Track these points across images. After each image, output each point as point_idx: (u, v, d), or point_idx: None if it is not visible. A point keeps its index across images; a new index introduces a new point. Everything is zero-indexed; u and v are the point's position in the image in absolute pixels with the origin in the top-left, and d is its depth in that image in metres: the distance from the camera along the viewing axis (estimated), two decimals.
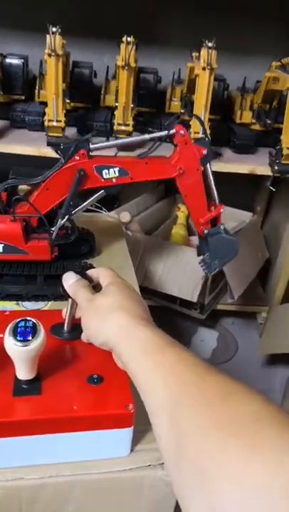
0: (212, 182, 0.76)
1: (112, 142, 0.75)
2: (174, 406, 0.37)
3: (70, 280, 0.54)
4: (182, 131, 0.71)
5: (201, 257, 0.83)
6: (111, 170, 0.71)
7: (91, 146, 0.70)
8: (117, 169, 0.71)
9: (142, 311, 0.48)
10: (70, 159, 0.69)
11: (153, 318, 0.72)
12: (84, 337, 0.52)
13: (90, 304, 0.49)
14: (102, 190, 0.73)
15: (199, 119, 0.94)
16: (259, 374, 1.51)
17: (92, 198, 0.74)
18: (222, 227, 0.79)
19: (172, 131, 0.71)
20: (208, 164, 0.74)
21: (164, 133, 0.72)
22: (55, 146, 0.72)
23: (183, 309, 1.44)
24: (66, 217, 0.72)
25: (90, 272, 0.56)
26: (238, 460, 0.30)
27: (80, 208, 0.74)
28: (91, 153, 0.70)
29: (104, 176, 0.71)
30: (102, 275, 0.55)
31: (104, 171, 0.71)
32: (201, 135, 1.10)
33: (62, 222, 0.72)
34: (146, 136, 0.73)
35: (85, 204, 0.75)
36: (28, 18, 1.44)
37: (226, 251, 0.80)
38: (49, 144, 1.18)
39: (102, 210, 1.52)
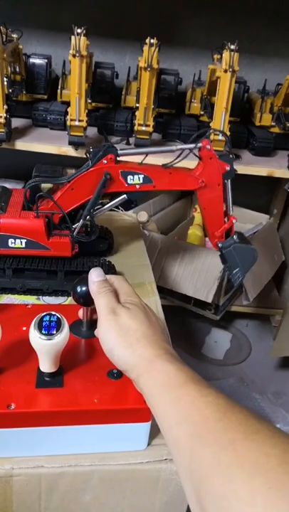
0: (230, 196, 0.78)
1: (139, 150, 0.78)
2: (195, 442, 0.36)
3: (96, 277, 0.52)
4: (208, 146, 0.72)
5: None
6: (136, 176, 0.73)
7: (119, 151, 0.72)
8: (142, 176, 0.73)
9: (164, 341, 0.48)
10: (97, 162, 0.71)
11: (167, 318, 0.73)
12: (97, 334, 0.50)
13: (113, 317, 0.48)
14: (124, 195, 0.75)
15: (225, 134, 0.96)
16: (272, 377, 1.51)
17: (114, 202, 0.76)
18: (235, 236, 0.80)
19: (199, 145, 0.72)
20: (228, 180, 0.75)
21: (191, 145, 0.73)
22: (84, 149, 0.74)
23: (197, 309, 1.44)
24: (87, 217, 0.74)
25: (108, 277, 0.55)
26: (265, 502, 0.30)
27: (101, 209, 0.76)
28: (118, 158, 0.72)
29: (129, 182, 0.73)
30: (121, 288, 0.53)
31: (130, 177, 0.72)
32: (224, 149, 1.11)
33: (85, 225, 0.74)
34: (174, 148, 0.75)
35: (106, 207, 0.77)
36: (52, 20, 1.46)
37: (244, 259, 0.80)
38: (71, 143, 1.20)
39: (118, 209, 1.54)
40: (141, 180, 0.73)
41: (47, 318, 0.47)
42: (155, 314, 0.52)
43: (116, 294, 0.52)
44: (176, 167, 0.75)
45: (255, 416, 0.36)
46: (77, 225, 0.74)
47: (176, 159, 0.74)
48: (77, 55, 1.08)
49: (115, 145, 0.72)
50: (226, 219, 0.79)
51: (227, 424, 0.36)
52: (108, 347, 0.47)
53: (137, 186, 0.73)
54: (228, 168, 0.74)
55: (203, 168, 0.74)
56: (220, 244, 0.80)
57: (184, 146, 0.74)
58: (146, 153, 0.76)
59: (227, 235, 0.80)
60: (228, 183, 0.76)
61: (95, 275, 0.52)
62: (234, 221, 0.79)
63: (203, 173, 0.74)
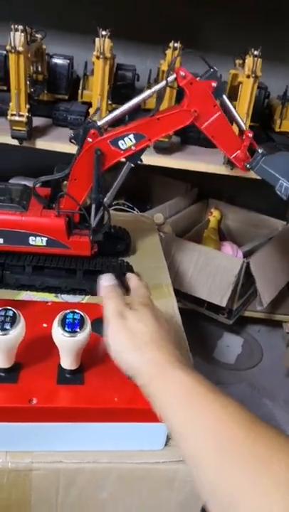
0: (234, 112, 0.72)
1: (117, 111, 0.72)
2: (221, 458, 0.35)
3: (105, 282, 0.53)
4: (182, 72, 0.66)
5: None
6: (126, 139, 0.69)
7: (99, 122, 0.69)
8: (132, 136, 0.69)
9: (176, 348, 0.46)
10: (83, 143, 0.69)
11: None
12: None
13: (121, 321, 0.47)
14: (128, 162, 0.72)
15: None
16: (283, 383, 1.51)
17: (121, 174, 0.74)
18: (260, 150, 0.73)
19: (173, 76, 0.68)
20: (223, 96, 0.70)
21: (163, 82, 0.69)
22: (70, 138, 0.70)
23: (210, 313, 1.44)
24: (99, 202, 0.72)
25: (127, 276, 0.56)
26: None
27: (112, 188, 0.74)
28: (102, 130, 0.69)
29: (122, 147, 0.70)
30: (136, 288, 0.54)
31: (121, 142, 0.69)
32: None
33: (98, 211, 0.72)
34: (149, 91, 0.70)
35: (115, 184, 0.74)
36: (75, 21, 1.47)
37: (282, 168, 0.73)
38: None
39: (134, 210, 1.55)
40: (133, 140, 0.69)
41: (70, 315, 0.48)
42: (167, 319, 0.51)
43: (127, 296, 0.52)
44: (163, 109, 0.71)
45: (281, 432, 0.35)
46: (93, 214, 0.74)
47: (157, 104, 0.69)
48: (101, 56, 1.09)
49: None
50: (243, 137, 0.73)
51: (256, 441, 0.34)
52: (116, 351, 0.46)
53: (133, 147, 0.70)
54: (214, 84, 0.67)
55: (189, 98, 0.68)
56: (248, 166, 0.73)
57: (159, 85, 0.70)
58: (127, 112, 0.72)
59: (253, 153, 0.73)
60: (225, 98, 0.70)
61: (105, 280, 0.53)
62: (250, 135, 0.72)
63: (191, 102, 0.68)
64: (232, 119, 0.73)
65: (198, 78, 0.68)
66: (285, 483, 0.31)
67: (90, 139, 0.69)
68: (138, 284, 0.55)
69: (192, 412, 0.39)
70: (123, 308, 0.48)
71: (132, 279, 0.57)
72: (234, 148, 0.73)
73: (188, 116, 0.69)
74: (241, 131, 0.74)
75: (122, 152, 0.70)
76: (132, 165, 0.73)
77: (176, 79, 0.67)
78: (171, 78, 0.68)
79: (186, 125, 0.70)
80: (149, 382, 0.43)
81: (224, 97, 0.70)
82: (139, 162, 0.73)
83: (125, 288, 0.55)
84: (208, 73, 0.68)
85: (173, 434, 0.40)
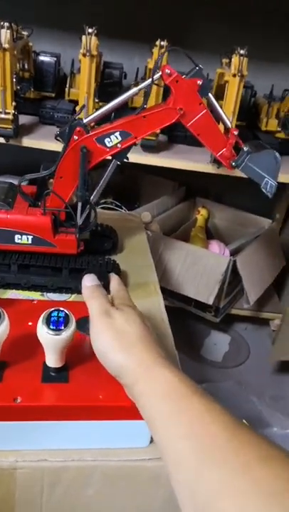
0: (220, 110, 0.73)
1: (103, 108, 0.72)
2: (201, 461, 0.34)
3: (88, 282, 0.52)
4: (168, 70, 0.67)
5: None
6: (112, 136, 0.69)
7: (84, 120, 0.69)
8: (118, 133, 0.69)
9: (159, 346, 0.46)
10: (69, 141, 0.69)
11: (168, 319, 0.74)
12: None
13: (107, 320, 0.47)
14: (114, 160, 0.72)
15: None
16: (270, 381, 1.52)
17: (107, 172, 0.73)
18: (246, 148, 0.73)
19: (158, 74, 0.68)
20: (209, 94, 0.70)
21: (149, 80, 0.69)
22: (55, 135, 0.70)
23: (198, 311, 1.45)
24: (85, 200, 0.71)
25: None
26: None
27: (98, 186, 0.74)
28: (88, 128, 0.69)
29: (108, 145, 0.70)
30: (116, 291, 0.53)
31: (107, 140, 0.69)
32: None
33: (84, 209, 0.72)
34: (135, 89, 0.71)
35: (102, 181, 0.74)
36: (62, 19, 1.46)
37: (267, 167, 0.74)
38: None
39: (122, 209, 1.54)
40: (119, 138, 0.69)
41: (55, 313, 0.48)
42: (149, 320, 0.51)
43: (110, 299, 0.51)
44: (149, 107, 0.71)
45: (265, 438, 0.35)
46: (79, 211, 0.73)
47: (144, 102, 0.70)
48: (88, 54, 1.08)
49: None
50: (228, 135, 0.73)
51: (238, 445, 0.34)
52: (101, 350, 0.46)
53: (119, 145, 0.70)
54: (200, 82, 0.67)
55: (175, 95, 0.68)
56: (233, 163, 0.73)
57: (145, 82, 0.70)
58: (113, 110, 0.71)
59: (239, 151, 0.74)
60: (211, 97, 0.71)
61: (88, 280, 0.52)
62: (235, 133, 0.73)
63: (176, 99, 0.68)
64: (218, 118, 0.74)
65: (183, 76, 0.68)
66: (268, 491, 0.30)
67: (75, 137, 0.68)
68: (118, 288, 0.55)
69: (175, 412, 0.39)
70: (108, 308, 0.48)
71: (112, 280, 0.56)
72: (220, 146, 0.73)
73: (174, 114, 0.69)
74: (227, 130, 0.75)
75: (107, 150, 0.70)
76: (118, 163, 0.73)
77: (161, 76, 0.68)
78: (156, 76, 0.68)
79: (172, 123, 0.70)
80: (134, 382, 0.43)
81: (210, 95, 0.71)
82: (125, 160, 0.73)
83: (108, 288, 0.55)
84: (194, 71, 0.68)
85: (155, 436, 0.40)
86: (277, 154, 0.74)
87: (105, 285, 0.54)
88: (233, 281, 1.40)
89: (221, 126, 0.75)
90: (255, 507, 0.30)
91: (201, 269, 1.34)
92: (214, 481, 0.32)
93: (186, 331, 1.62)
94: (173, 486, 0.36)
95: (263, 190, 0.76)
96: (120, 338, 0.46)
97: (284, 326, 1.54)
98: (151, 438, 0.51)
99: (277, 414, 1.33)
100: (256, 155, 0.73)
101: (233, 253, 1.46)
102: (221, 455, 0.34)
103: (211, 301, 1.33)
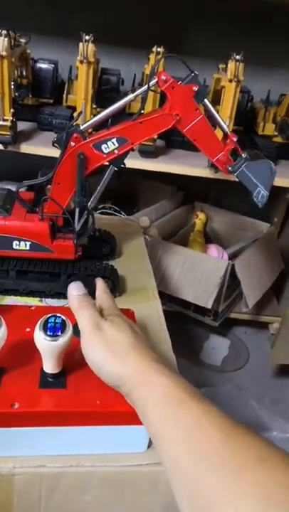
0: (216, 115, 0.73)
1: (100, 115, 0.72)
2: (198, 464, 0.34)
3: (74, 291, 0.51)
4: (164, 77, 0.67)
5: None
6: (109, 143, 0.70)
7: (82, 126, 0.70)
8: (114, 140, 0.70)
9: (153, 351, 0.47)
10: (66, 147, 0.69)
11: (166, 324, 0.74)
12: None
13: (98, 332, 0.46)
14: (111, 166, 0.73)
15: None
16: (269, 384, 1.52)
17: (104, 178, 0.74)
18: (244, 154, 0.74)
19: (154, 80, 0.68)
20: (205, 100, 0.71)
21: (145, 86, 0.69)
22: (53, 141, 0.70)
23: (197, 315, 1.45)
24: (83, 205, 0.72)
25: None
26: None
27: (96, 192, 0.74)
28: (86, 134, 0.69)
29: (105, 151, 0.70)
30: (102, 302, 0.53)
31: (104, 146, 0.70)
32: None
33: (82, 215, 0.73)
34: (132, 95, 0.71)
35: (99, 187, 0.75)
36: (60, 25, 1.48)
37: (261, 176, 0.75)
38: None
39: (121, 214, 1.55)
40: (116, 144, 0.70)
41: (52, 319, 0.48)
42: (138, 326, 0.51)
43: (97, 307, 0.51)
44: (145, 113, 0.72)
45: (263, 439, 0.34)
46: (77, 217, 0.74)
47: (140, 108, 0.70)
48: (85, 61, 1.09)
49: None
50: (227, 141, 0.74)
51: (235, 447, 0.34)
52: (96, 363, 0.46)
53: (116, 151, 0.70)
54: (196, 88, 0.68)
55: (171, 101, 0.69)
56: (230, 168, 0.74)
57: (141, 89, 0.70)
58: (109, 116, 0.72)
59: (236, 157, 0.74)
60: (207, 102, 0.71)
61: (74, 289, 0.51)
62: (235, 139, 0.73)
63: (172, 105, 0.69)
64: (215, 123, 0.74)
65: (179, 82, 0.68)
66: (264, 494, 0.30)
67: (72, 143, 0.69)
68: (105, 296, 0.54)
69: (172, 417, 0.39)
70: (98, 320, 0.48)
71: (98, 288, 0.56)
72: (216, 152, 0.74)
73: (170, 120, 0.70)
74: (225, 135, 0.75)
75: (104, 156, 0.71)
76: (116, 168, 0.74)
77: (157, 83, 0.68)
78: (152, 82, 0.68)
79: (168, 128, 0.71)
80: (132, 389, 0.43)
81: (206, 101, 0.71)
82: (122, 166, 0.74)
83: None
84: (190, 77, 0.69)
85: (154, 442, 0.40)
86: (273, 165, 0.75)
87: (91, 291, 0.54)
88: (231, 285, 1.40)
89: (219, 132, 0.76)
90: (253, 510, 0.30)
91: (199, 273, 1.34)
92: (212, 486, 0.32)
93: (185, 335, 1.62)
94: (172, 491, 0.36)
95: (255, 199, 0.77)
96: (113, 349, 0.46)
97: (283, 329, 1.54)
98: (149, 443, 0.51)
99: (277, 418, 1.33)
100: (253, 163, 0.74)
101: (232, 257, 1.47)
102: (218, 458, 0.34)
103: (209, 305, 1.34)
